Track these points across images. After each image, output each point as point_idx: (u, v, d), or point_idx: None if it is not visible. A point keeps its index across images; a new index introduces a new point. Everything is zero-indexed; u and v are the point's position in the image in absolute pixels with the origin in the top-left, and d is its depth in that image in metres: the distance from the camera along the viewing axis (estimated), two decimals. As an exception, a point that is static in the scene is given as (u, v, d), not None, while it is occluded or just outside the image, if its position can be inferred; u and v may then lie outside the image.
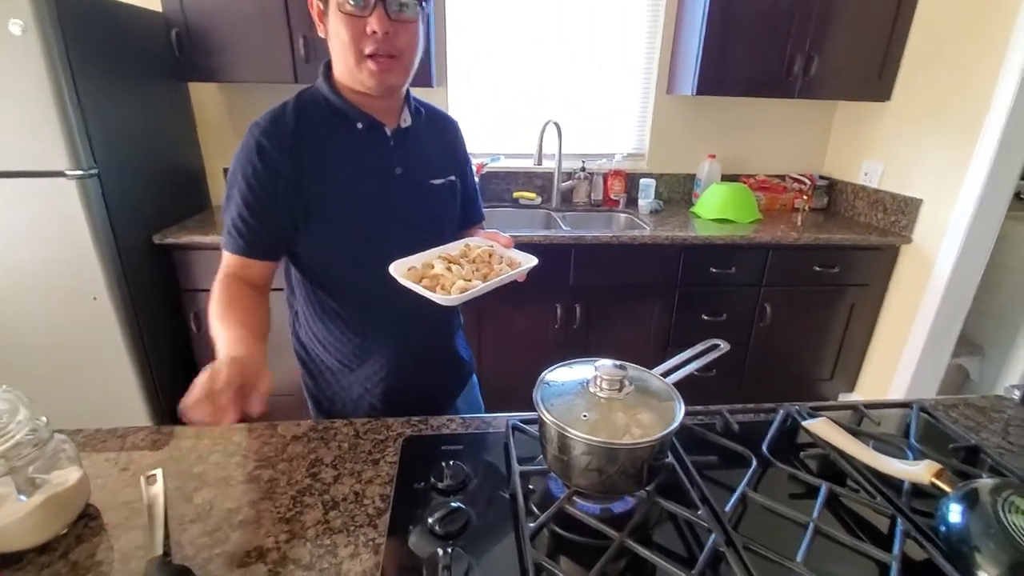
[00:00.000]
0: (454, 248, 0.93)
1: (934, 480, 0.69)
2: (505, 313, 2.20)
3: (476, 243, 0.96)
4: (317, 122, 0.92)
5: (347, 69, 0.87)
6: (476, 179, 1.19)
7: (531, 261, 0.91)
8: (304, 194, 0.89)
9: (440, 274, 0.84)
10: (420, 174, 0.99)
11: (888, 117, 2.40)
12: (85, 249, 1.73)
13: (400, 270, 0.85)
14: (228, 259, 0.92)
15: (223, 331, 0.81)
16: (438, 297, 0.78)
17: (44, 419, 0.67)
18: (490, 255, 0.93)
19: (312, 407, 1.11)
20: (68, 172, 1.65)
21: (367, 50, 0.84)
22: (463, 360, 1.19)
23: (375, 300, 0.99)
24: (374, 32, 0.82)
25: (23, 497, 0.65)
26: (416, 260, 0.89)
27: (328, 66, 0.94)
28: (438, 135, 1.05)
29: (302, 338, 1.08)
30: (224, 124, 2.48)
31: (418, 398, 1.04)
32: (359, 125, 0.92)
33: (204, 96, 2.41)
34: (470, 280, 0.83)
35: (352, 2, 0.81)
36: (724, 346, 0.83)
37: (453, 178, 1.04)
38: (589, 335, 2.28)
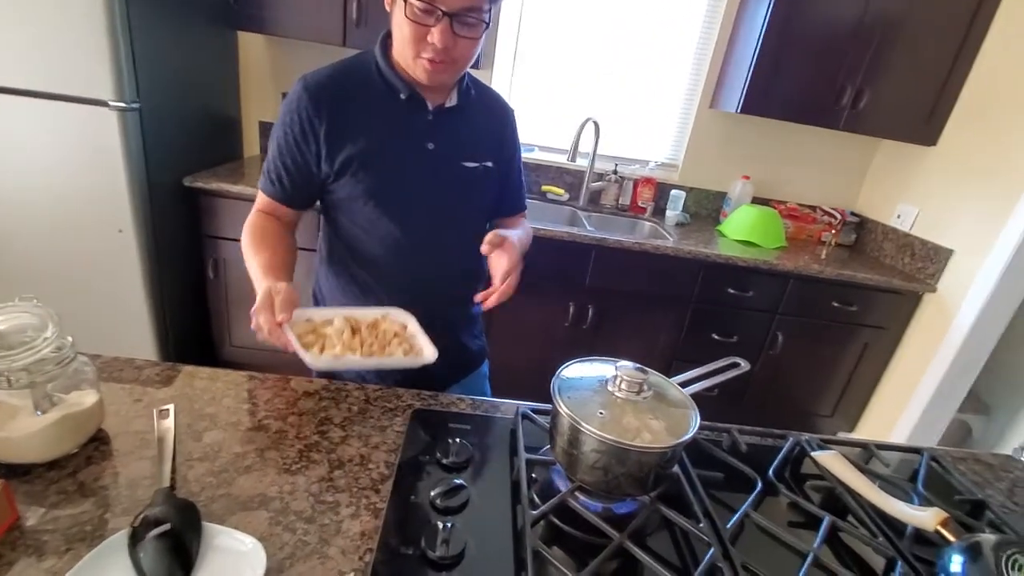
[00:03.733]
0: (369, 314, 0.89)
1: (939, 528, 0.68)
2: (518, 304, 2.18)
3: (395, 316, 0.90)
4: (363, 86, 0.93)
5: (402, 58, 0.89)
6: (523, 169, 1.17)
7: (426, 360, 0.82)
8: (334, 152, 0.91)
9: (329, 335, 0.81)
10: (453, 154, 0.99)
11: (930, 162, 2.37)
12: (117, 181, 1.75)
13: (300, 317, 0.82)
14: (261, 199, 0.98)
15: (256, 256, 0.88)
16: (306, 355, 0.75)
17: (70, 339, 0.68)
18: (395, 335, 0.86)
19: None
20: (111, 102, 1.66)
21: (424, 54, 0.85)
22: (469, 351, 1.18)
23: (387, 269, 1.01)
24: (434, 43, 0.83)
25: (39, 412, 0.66)
26: (322, 313, 0.86)
27: (388, 35, 0.95)
28: (485, 119, 1.05)
29: (321, 283, 1.10)
30: (266, 78, 2.48)
31: (411, 375, 1.05)
32: (402, 96, 0.93)
33: (251, 47, 2.41)
34: (355, 352, 0.79)
35: (420, 10, 0.81)
36: (744, 365, 0.83)
37: (489, 164, 1.03)
38: (597, 337, 2.28)
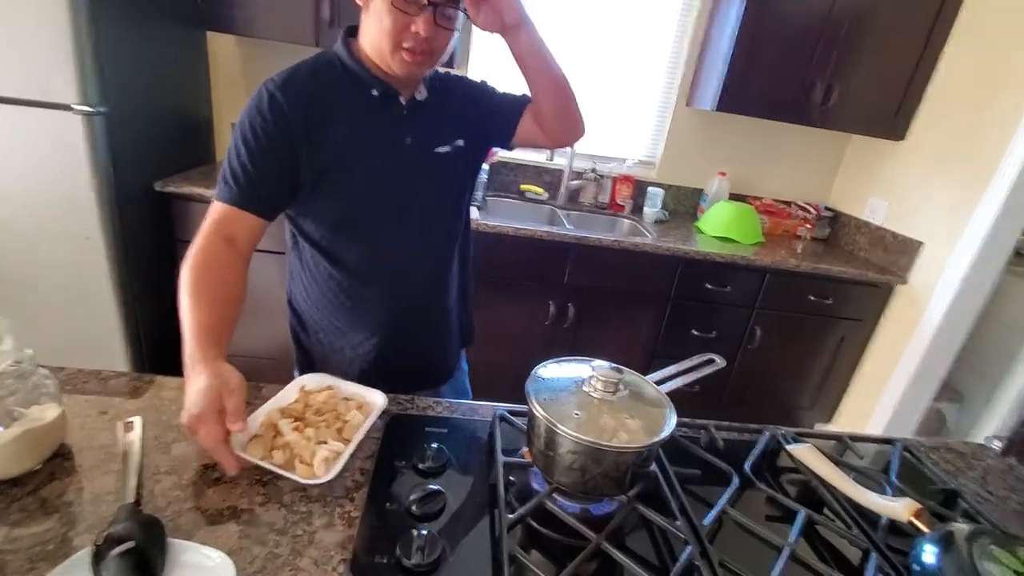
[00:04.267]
0: (291, 392, 0.81)
1: (912, 519, 0.69)
2: (497, 303, 2.19)
3: (314, 385, 0.84)
4: (331, 85, 0.91)
5: (378, 51, 0.86)
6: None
7: (382, 406, 0.80)
8: (309, 155, 0.88)
9: (290, 442, 0.71)
10: (427, 145, 0.98)
11: (899, 157, 2.41)
12: (83, 187, 1.70)
13: (251, 432, 0.72)
14: (217, 211, 0.87)
15: (196, 309, 0.77)
16: (303, 480, 0.65)
17: (30, 352, 0.66)
18: (333, 398, 0.80)
19: (298, 358, 1.10)
20: (75, 107, 1.61)
21: (406, 44, 0.84)
22: (459, 337, 1.19)
23: (372, 268, 0.99)
24: (417, 33, 0.82)
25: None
26: (256, 418, 0.75)
27: (349, 31, 0.93)
28: (448, 102, 1.02)
29: (296, 294, 1.07)
30: (237, 79, 2.44)
31: (409, 369, 1.04)
32: (374, 92, 0.91)
33: (221, 48, 2.37)
34: (326, 442, 0.71)
35: None
36: (720, 362, 0.83)
37: (460, 143, 1.01)
38: (578, 335, 2.28)
